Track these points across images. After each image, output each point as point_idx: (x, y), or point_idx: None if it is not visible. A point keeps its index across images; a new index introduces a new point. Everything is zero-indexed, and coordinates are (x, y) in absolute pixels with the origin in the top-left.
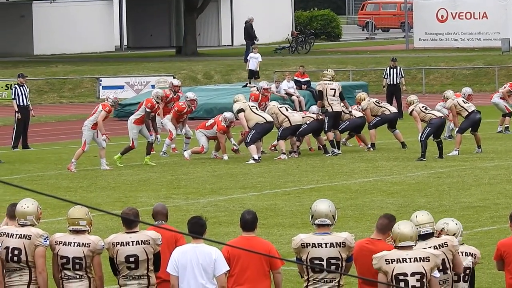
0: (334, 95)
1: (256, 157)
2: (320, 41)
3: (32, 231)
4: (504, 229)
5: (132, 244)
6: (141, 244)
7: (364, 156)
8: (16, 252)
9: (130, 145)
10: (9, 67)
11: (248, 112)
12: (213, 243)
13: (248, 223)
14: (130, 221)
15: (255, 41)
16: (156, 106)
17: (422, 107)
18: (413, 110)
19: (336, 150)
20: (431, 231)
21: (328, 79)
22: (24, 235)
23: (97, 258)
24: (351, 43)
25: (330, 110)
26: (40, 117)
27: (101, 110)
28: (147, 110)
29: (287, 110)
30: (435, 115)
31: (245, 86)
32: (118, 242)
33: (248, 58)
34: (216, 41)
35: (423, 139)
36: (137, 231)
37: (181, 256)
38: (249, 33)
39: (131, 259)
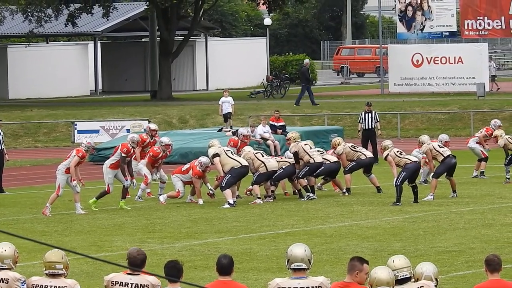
0: (311, 149)
1: (231, 201)
2: (295, 85)
3: (10, 274)
4: (480, 274)
5: (131, 287)
6: None
7: (339, 201)
8: None
9: (106, 189)
10: None
11: (224, 157)
12: (190, 287)
13: (225, 267)
14: (135, 264)
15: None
16: (132, 151)
17: (397, 151)
18: (388, 155)
19: (311, 194)
20: (408, 276)
21: (297, 138)
22: (1, 279)
23: None
24: (326, 87)
25: (312, 161)
26: (15, 161)
27: (74, 156)
28: (123, 155)
29: (262, 156)
30: (410, 160)
31: (220, 130)
32: (118, 282)
33: (220, 102)
34: (191, 85)
35: (398, 183)
36: (139, 274)
37: None
38: (306, 77)
39: None
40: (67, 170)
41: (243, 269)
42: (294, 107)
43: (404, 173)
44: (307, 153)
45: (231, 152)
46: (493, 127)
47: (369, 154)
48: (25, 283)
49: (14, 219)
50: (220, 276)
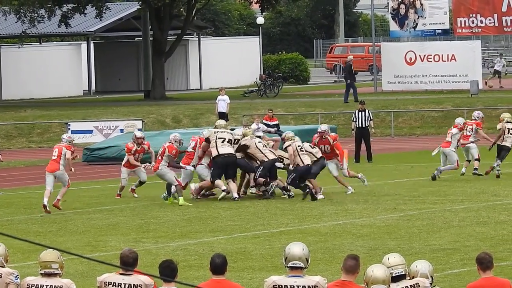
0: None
1: (224, 188)
2: (288, 84)
3: (3, 270)
4: (474, 272)
5: (124, 287)
6: None
7: (334, 199)
8: None
9: (178, 184)
10: None
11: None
12: (185, 286)
13: (218, 266)
14: (128, 264)
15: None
16: (176, 150)
17: (298, 146)
18: (289, 145)
19: (291, 193)
20: (403, 273)
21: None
22: None
23: None
24: (319, 86)
25: (302, 164)
26: (9, 162)
27: (66, 152)
28: (171, 156)
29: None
30: (304, 163)
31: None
32: (111, 282)
33: (216, 101)
34: (185, 85)
35: (288, 182)
36: (131, 274)
37: None
38: (350, 73)
39: None
40: (67, 168)
41: (238, 268)
42: (288, 106)
43: (294, 174)
44: (298, 155)
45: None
46: (476, 118)
47: (307, 161)
48: (18, 277)
49: (9, 220)
50: (213, 276)
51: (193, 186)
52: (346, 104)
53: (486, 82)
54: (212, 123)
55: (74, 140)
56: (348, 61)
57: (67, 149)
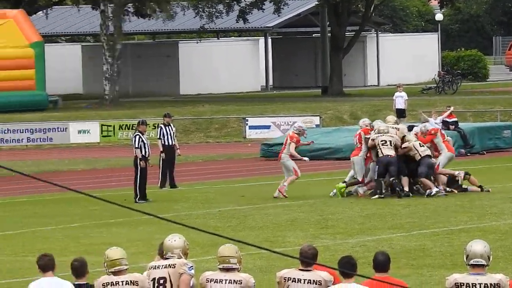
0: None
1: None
2: (467, 81)
3: (177, 260)
4: None
5: (304, 283)
6: (312, 284)
7: None
8: (161, 281)
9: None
10: (156, 107)
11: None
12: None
13: (381, 263)
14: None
15: None
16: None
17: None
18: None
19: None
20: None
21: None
22: (169, 264)
23: None
24: (498, 83)
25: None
26: (186, 157)
27: (289, 142)
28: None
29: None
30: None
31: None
32: (290, 278)
33: (394, 97)
34: (362, 81)
35: None
36: (311, 270)
37: None
38: None
39: None
40: (291, 156)
41: (417, 266)
42: (466, 103)
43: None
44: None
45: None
46: None
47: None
48: (192, 268)
49: (187, 214)
50: (376, 273)
51: (361, 190)
52: None
53: None
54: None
55: (303, 130)
56: None
57: (290, 140)
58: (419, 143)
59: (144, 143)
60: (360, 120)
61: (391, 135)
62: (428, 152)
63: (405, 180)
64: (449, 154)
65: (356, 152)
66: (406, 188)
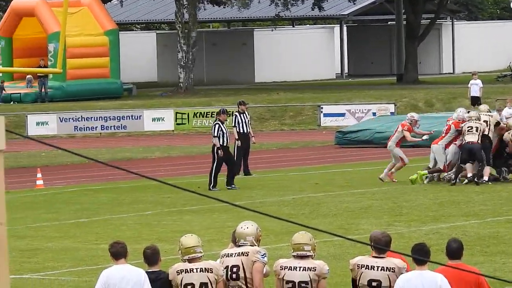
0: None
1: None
2: None
3: (250, 248)
4: None
5: (377, 270)
6: (386, 271)
7: None
8: (234, 269)
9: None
10: (231, 95)
11: None
12: (435, 265)
13: (454, 251)
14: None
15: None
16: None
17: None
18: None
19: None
20: None
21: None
22: (242, 252)
23: (323, 283)
24: None
25: None
26: (261, 144)
27: (401, 131)
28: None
29: None
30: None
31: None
32: (364, 265)
33: (469, 85)
34: (437, 69)
35: None
36: (384, 257)
37: (406, 284)
38: None
39: (374, 283)
40: (398, 144)
41: (490, 253)
42: None
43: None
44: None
45: None
46: None
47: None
48: (265, 255)
49: (261, 202)
50: (450, 260)
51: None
52: None
53: None
54: (465, 107)
55: (416, 120)
56: None
57: (402, 128)
58: None
59: (223, 132)
60: (457, 110)
61: (479, 122)
62: None
63: (486, 170)
64: None
65: (437, 140)
66: (486, 178)
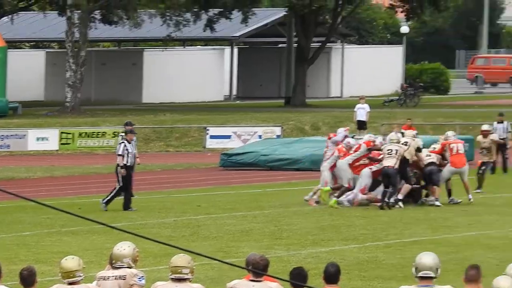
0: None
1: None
2: (429, 94)
3: (127, 271)
4: None
5: None
6: None
7: (468, 211)
8: None
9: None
10: (117, 115)
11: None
12: None
13: (332, 275)
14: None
15: None
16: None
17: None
18: None
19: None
20: None
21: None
22: (119, 276)
23: None
24: (459, 96)
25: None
26: (145, 165)
27: (337, 156)
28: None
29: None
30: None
31: (352, 137)
32: None
33: (355, 109)
34: (325, 92)
35: None
36: (261, 281)
37: None
38: None
39: None
40: (332, 168)
41: (368, 277)
42: (427, 116)
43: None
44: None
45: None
46: None
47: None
48: (143, 278)
49: (142, 224)
50: (327, 285)
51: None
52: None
53: None
54: (351, 131)
55: (352, 145)
56: None
57: (339, 152)
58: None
59: (128, 152)
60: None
61: (399, 145)
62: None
63: (405, 188)
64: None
65: (342, 157)
66: (400, 196)
